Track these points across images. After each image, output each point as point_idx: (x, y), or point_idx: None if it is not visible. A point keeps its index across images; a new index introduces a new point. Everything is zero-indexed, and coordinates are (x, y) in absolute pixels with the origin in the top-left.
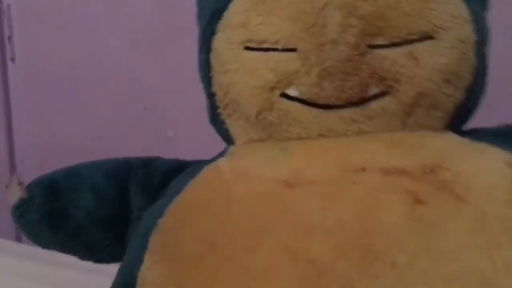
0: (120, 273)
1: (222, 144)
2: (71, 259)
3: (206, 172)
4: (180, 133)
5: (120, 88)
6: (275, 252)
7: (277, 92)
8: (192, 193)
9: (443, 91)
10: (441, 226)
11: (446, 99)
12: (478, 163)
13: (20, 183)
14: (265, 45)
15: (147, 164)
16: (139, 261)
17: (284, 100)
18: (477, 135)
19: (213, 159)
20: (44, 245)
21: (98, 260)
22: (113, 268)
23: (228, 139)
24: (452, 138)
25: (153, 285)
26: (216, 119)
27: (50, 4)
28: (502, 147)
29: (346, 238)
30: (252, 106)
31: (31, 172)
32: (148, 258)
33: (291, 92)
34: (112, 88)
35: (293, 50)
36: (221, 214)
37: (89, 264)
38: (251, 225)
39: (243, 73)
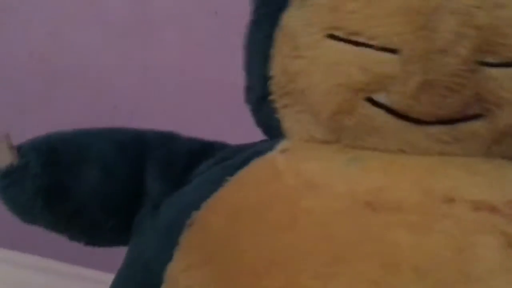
0: (132, 267)
1: None
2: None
3: (257, 167)
4: None
5: (89, 86)
6: (355, 285)
7: (363, 95)
8: (243, 192)
9: None
10: None
11: None
12: None
13: (12, 146)
14: (358, 38)
15: (167, 143)
16: (164, 257)
17: (369, 105)
18: None
19: (259, 151)
20: (32, 221)
21: (92, 243)
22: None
23: (274, 131)
24: None
25: None
26: (262, 105)
27: (19, 1)
28: None
29: (439, 281)
30: (327, 104)
31: None
32: (181, 258)
33: (380, 98)
34: (81, 86)
35: (393, 51)
36: (285, 228)
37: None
38: (325, 249)
39: (322, 65)
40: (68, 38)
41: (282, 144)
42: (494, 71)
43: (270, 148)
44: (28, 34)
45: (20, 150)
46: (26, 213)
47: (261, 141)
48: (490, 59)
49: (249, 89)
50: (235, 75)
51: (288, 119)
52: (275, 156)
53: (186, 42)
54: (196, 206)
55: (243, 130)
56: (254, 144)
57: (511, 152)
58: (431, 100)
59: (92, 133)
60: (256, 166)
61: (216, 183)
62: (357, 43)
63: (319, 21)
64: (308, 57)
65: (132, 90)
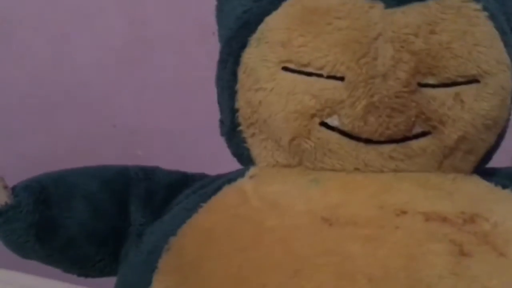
0: None
1: (191, 164)
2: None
3: (228, 194)
4: (149, 152)
5: (89, 105)
6: None
7: (317, 120)
8: (213, 215)
9: (481, 136)
10: (486, 282)
11: (482, 144)
12: (510, 213)
13: (6, 187)
14: (308, 69)
15: (149, 176)
16: (144, 281)
17: (323, 129)
18: (496, 177)
19: (231, 178)
20: (27, 256)
21: (84, 274)
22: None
23: (245, 158)
24: (480, 183)
25: None
26: (233, 136)
27: (18, 21)
28: None
29: (393, 287)
30: (286, 130)
31: None
32: (159, 281)
33: (332, 121)
34: (81, 106)
35: (339, 78)
36: (250, 246)
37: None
38: (286, 263)
39: (279, 95)
40: (67, 59)
41: (251, 171)
42: (434, 91)
43: (241, 175)
44: (27, 56)
45: (14, 190)
46: (20, 249)
47: (237, 170)
48: (429, 81)
49: (221, 123)
50: None
51: (255, 147)
52: (244, 182)
53: (183, 63)
54: (173, 232)
55: None
56: (229, 173)
57: (464, 166)
58: (379, 120)
59: (80, 172)
60: (227, 192)
61: (191, 210)
62: (308, 73)
63: (274, 56)
64: (267, 88)
65: (131, 109)
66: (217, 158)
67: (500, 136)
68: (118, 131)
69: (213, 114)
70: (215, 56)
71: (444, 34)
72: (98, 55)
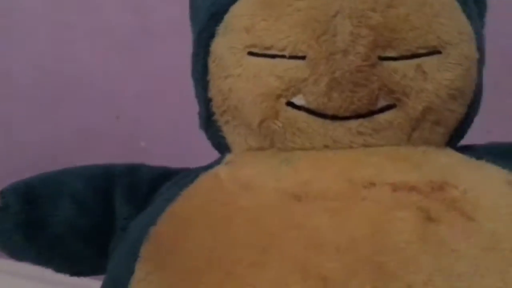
0: (106, 286)
1: (195, 155)
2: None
3: (203, 180)
4: (153, 143)
5: (92, 96)
6: (284, 268)
7: (283, 100)
8: (189, 202)
9: (448, 107)
10: (454, 246)
11: (450, 115)
12: (481, 181)
13: None
14: (271, 51)
15: (132, 172)
16: (128, 271)
17: (290, 109)
18: (472, 151)
19: (208, 167)
20: (18, 256)
21: (76, 273)
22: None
23: (222, 147)
24: (453, 155)
25: None
26: (209, 126)
27: (22, 11)
28: (497, 164)
29: (359, 256)
30: (255, 113)
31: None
32: (140, 269)
33: (298, 101)
34: (84, 96)
35: (301, 57)
36: (223, 226)
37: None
38: (256, 240)
39: (246, 79)
40: (71, 49)
41: (227, 157)
42: (396, 63)
43: (218, 162)
44: (31, 45)
45: (1, 192)
46: (12, 248)
47: (215, 160)
48: (390, 54)
49: (199, 115)
50: None
51: (230, 134)
52: (219, 168)
53: (188, 51)
54: (153, 222)
55: None
56: (209, 164)
57: (434, 138)
58: (342, 96)
59: (66, 171)
60: (203, 179)
61: (170, 200)
62: (271, 56)
63: (239, 42)
64: (234, 75)
65: (134, 99)
66: None
67: (472, 109)
68: (122, 123)
69: None
70: None
71: (401, 7)
72: (102, 45)
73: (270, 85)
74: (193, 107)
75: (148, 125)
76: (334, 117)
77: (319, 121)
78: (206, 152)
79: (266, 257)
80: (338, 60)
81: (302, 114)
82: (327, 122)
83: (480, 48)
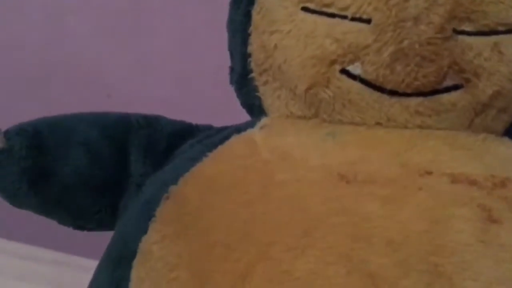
0: (113, 244)
1: None
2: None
3: (235, 143)
4: None
5: (82, 74)
6: (326, 258)
7: (338, 67)
8: (219, 165)
9: None
10: None
11: None
12: None
13: None
14: (331, 10)
15: (151, 123)
16: (140, 231)
17: (344, 77)
18: None
19: (239, 129)
20: (20, 204)
21: (80, 226)
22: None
23: (257, 109)
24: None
25: (161, 263)
26: (244, 84)
27: None
28: None
29: (412, 253)
30: (302, 78)
31: None
32: (156, 230)
33: (354, 69)
34: (74, 74)
35: (365, 21)
36: (259, 201)
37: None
38: (297, 221)
39: (296, 38)
40: (62, 26)
41: (262, 121)
42: (471, 39)
43: (251, 125)
44: (21, 23)
45: (7, 134)
46: (13, 196)
47: (247, 121)
48: (466, 27)
49: (232, 70)
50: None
51: (268, 96)
52: (254, 132)
53: (181, 30)
54: (174, 181)
55: (241, 116)
56: (239, 124)
57: (495, 126)
58: (406, 69)
59: (78, 117)
60: (235, 142)
61: (195, 160)
62: (330, 15)
63: None
64: (283, 31)
65: (126, 79)
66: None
67: None
68: (113, 101)
69: (212, 82)
70: (214, 21)
71: None
72: (94, 23)
73: (325, 47)
74: (187, 86)
75: (139, 105)
76: (392, 92)
77: (375, 94)
78: None
79: (306, 242)
80: (408, 28)
81: (357, 85)
82: (384, 97)
83: None
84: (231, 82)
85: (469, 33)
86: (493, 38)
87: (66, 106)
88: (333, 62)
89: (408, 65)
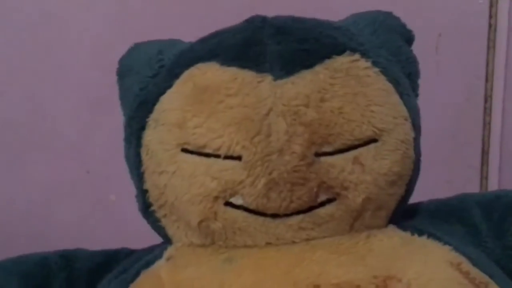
0: None
1: None
2: None
3: (145, 282)
4: (123, 197)
5: (62, 151)
6: None
7: (221, 201)
8: None
9: (387, 192)
10: None
11: (390, 199)
12: (425, 268)
13: None
14: (206, 150)
15: (68, 263)
16: None
17: (229, 209)
18: (414, 222)
19: (149, 261)
20: None
21: None
22: None
23: (163, 236)
24: (394, 236)
25: None
26: (149, 215)
27: None
28: (441, 236)
29: None
30: (193, 213)
31: None
32: None
33: (236, 200)
34: (54, 151)
35: (237, 158)
36: None
37: None
38: None
39: (181, 178)
40: (40, 105)
41: (168, 251)
42: (332, 159)
43: (160, 255)
44: (2, 100)
45: None
46: None
47: (158, 245)
48: (326, 149)
49: (137, 200)
50: None
51: (169, 227)
52: (161, 267)
53: None
54: None
55: None
56: (151, 249)
57: (376, 222)
58: (281, 196)
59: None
60: (144, 279)
61: None
62: (206, 155)
63: (171, 138)
64: (169, 171)
65: (104, 155)
66: None
67: (412, 184)
68: (92, 177)
69: None
70: None
71: (334, 100)
72: (73, 100)
73: (207, 186)
74: None
75: (118, 179)
76: (275, 215)
77: (259, 219)
78: None
79: None
80: (274, 160)
81: (242, 214)
82: (268, 220)
83: (415, 124)
84: (139, 210)
85: (330, 153)
86: (353, 153)
87: (45, 182)
88: (216, 198)
89: (282, 192)
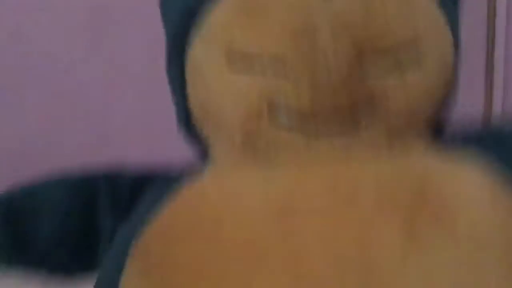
0: None
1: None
2: None
3: (188, 193)
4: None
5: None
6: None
7: (267, 119)
8: (176, 217)
9: (429, 110)
10: (437, 265)
11: (430, 117)
12: (460, 189)
13: None
14: (252, 61)
15: (112, 182)
16: (113, 285)
17: (273, 127)
18: (456, 143)
19: (191, 176)
20: (7, 269)
21: (69, 278)
22: None
23: (204, 155)
24: (431, 159)
25: None
26: (190, 133)
27: None
28: (483, 156)
29: (347, 269)
30: (236, 131)
31: None
32: (127, 283)
33: (282, 120)
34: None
35: (284, 74)
36: (211, 241)
37: None
38: (245, 254)
39: (227, 96)
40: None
41: (208, 169)
42: (376, 70)
43: (200, 173)
44: None
45: None
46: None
47: (197, 166)
48: (372, 61)
49: (178, 118)
50: None
51: (212, 144)
52: (204, 180)
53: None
54: (138, 235)
55: None
56: (191, 168)
57: (413, 141)
58: (324, 111)
59: (46, 185)
60: (188, 192)
61: (155, 212)
62: (253, 73)
63: (219, 53)
64: (215, 90)
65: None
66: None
67: (450, 96)
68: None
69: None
70: None
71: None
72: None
73: (253, 104)
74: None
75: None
76: (318, 134)
77: (302, 138)
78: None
79: (254, 275)
80: (318, 60)
81: (286, 133)
82: (310, 139)
83: (455, 35)
84: (179, 130)
85: (373, 66)
86: (397, 68)
87: (42, 117)
88: (262, 116)
89: (324, 96)
